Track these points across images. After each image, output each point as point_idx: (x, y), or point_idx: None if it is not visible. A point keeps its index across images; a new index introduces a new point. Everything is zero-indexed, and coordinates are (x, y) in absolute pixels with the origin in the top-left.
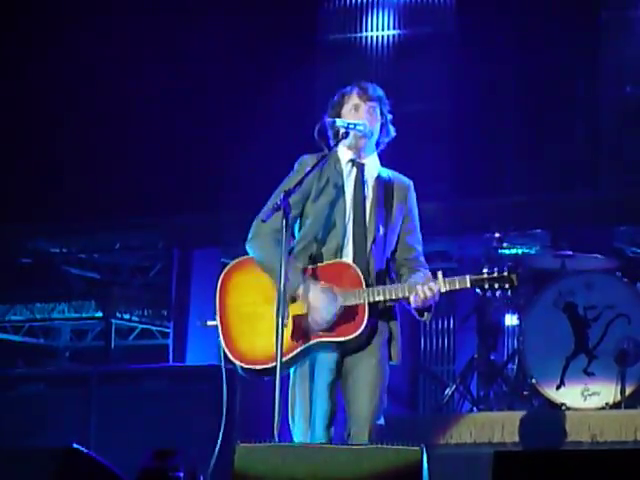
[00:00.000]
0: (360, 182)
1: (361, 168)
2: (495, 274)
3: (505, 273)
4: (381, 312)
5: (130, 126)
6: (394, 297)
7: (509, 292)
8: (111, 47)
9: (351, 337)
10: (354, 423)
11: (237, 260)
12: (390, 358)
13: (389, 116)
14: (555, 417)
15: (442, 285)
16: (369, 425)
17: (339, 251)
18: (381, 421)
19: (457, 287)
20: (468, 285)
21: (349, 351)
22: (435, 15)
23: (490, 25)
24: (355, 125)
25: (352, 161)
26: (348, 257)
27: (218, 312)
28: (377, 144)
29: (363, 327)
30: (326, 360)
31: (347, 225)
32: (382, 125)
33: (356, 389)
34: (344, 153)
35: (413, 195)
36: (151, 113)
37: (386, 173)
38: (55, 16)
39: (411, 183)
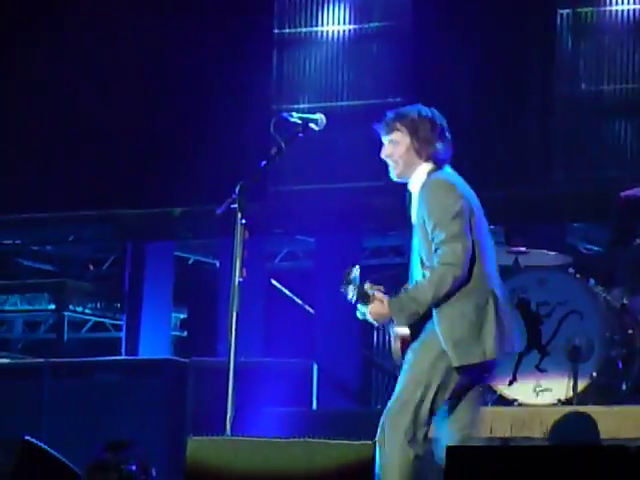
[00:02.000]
0: (409, 212)
1: (410, 196)
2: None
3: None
4: None
5: (85, 119)
6: None
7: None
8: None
9: None
10: None
11: None
12: None
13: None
14: None
15: None
16: None
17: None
18: None
19: None
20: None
21: None
22: (390, 9)
23: (445, 21)
24: (310, 119)
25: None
26: None
27: None
28: (438, 158)
29: None
30: None
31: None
32: (413, 142)
33: None
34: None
35: (424, 193)
36: (108, 107)
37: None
38: None
39: (426, 181)
